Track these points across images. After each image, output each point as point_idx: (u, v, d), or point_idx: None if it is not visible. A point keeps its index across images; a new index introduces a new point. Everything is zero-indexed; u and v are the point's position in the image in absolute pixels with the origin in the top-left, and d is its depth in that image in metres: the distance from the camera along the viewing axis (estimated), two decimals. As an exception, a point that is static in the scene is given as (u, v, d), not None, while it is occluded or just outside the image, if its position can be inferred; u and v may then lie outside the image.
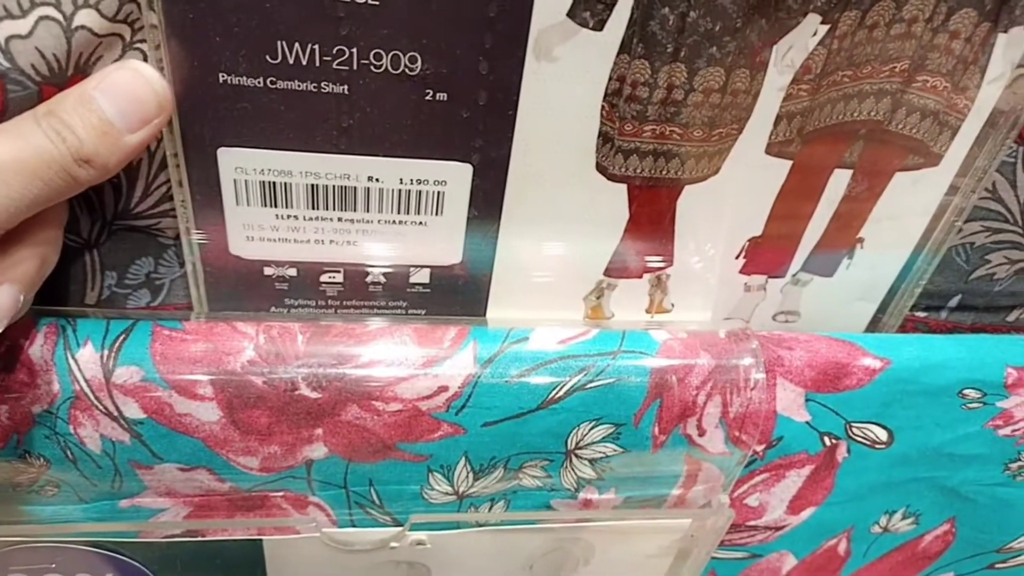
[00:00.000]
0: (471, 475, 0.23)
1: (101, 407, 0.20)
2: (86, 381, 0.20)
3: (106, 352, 0.20)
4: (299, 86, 0.19)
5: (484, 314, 0.23)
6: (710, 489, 0.25)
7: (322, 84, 0.19)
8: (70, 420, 0.20)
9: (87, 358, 0.20)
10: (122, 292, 0.22)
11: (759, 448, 0.24)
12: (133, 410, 0.20)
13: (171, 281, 0.23)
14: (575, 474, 0.24)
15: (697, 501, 0.25)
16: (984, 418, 0.25)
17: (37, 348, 0.20)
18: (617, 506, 0.25)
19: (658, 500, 0.25)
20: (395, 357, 0.21)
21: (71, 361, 0.20)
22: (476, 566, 0.25)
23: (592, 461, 0.24)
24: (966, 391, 0.24)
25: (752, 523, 0.27)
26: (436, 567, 0.25)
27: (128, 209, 0.21)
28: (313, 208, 0.21)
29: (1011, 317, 0.27)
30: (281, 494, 0.23)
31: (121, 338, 0.20)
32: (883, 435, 0.25)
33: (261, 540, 0.23)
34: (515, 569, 0.26)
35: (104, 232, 0.21)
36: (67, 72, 0.18)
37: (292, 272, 0.22)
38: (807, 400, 0.24)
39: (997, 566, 0.30)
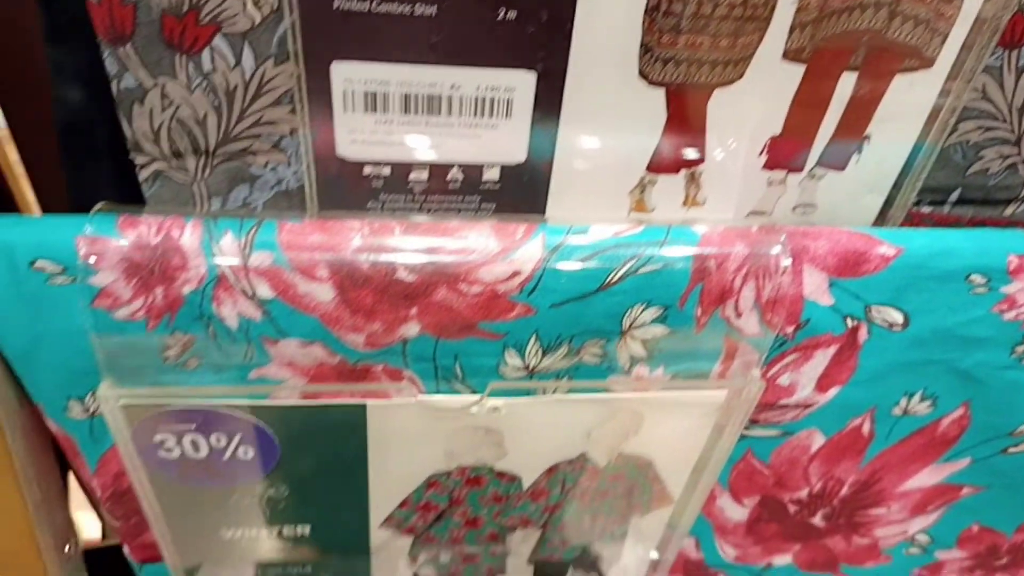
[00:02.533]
0: (540, 351, 0.28)
1: (239, 287, 0.25)
2: (228, 265, 0.25)
3: (243, 240, 0.25)
4: (397, 9, 0.23)
5: (544, 207, 0.28)
6: (746, 366, 0.29)
7: (415, 7, 0.23)
8: (214, 299, 0.25)
9: (228, 245, 0.25)
10: (227, 215, 0.27)
11: (789, 329, 0.29)
12: (264, 290, 0.25)
13: (263, 204, 0.28)
14: (628, 352, 0.28)
15: (735, 377, 0.29)
16: (990, 303, 0.29)
17: (188, 237, 0.25)
18: (665, 382, 0.29)
19: (701, 376, 0.29)
20: (477, 246, 0.26)
21: (215, 247, 0.25)
22: (541, 433, 0.30)
23: (643, 340, 0.28)
24: (972, 276, 0.28)
25: (784, 401, 0.31)
26: (508, 433, 0.30)
27: (227, 136, 0.26)
28: (405, 113, 0.25)
29: (1008, 211, 0.31)
30: (381, 367, 0.28)
31: (254, 229, 0.25)
32: (899, 318, 0.29)
33: (365, 405, 0.28)
34: (575, 436, 0.30)
35: (207, 166, 0.27)
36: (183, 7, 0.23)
37: (386, 171, 0.27)
38: (830, 285, 0.28)
39: (1010, 450, 0.34)
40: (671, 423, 0.30)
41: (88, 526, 0.45)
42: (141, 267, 0.25)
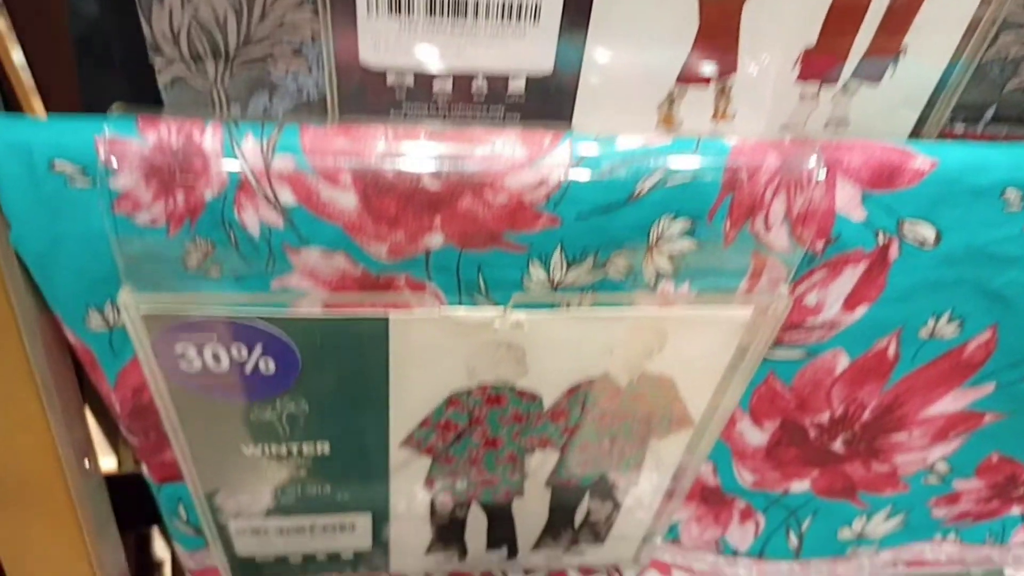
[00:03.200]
0: (565, 264, 0.28)
1: (261, 192, 0.25)
2: (250, 168, 0.24)
3: (265, 143, 0.24)
4: (425, -99, 0.23)
5: (571, 120, 0.28)
6: (773, 283, 0.29)
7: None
8: (235, 205, 0.25)
9: (250, 148, 0.24)
10: (253, 116, 0.27)
11: (818, 244, 0.28)
12: (287, 196, 0.25)
13: (282, 112, 0.27)
14: (654, 267, 0.28)
15: (762, 294, 0.29)
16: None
17: (208, 140, 0.24)
18: (690, 298, 0.29)
19: (727, 293, 0.29)
20: (503, 153, 0.26)
21: (237, 150, 0.24)
22: (564, 350, 0.30)
23: (670, 255, 0.28)
24: (1007, 192, 0.28)
25: (810, 321, 0.31)
26: (530, 349, 0.30)
27: (247, 39, 0.25)
28: (430, 15, 0.25)
29: (1048, 126, 0.30)
30: (403, 278, 0.28)
31: (275, 132, 0.25)
32: (931, 234, 0.29)
33: (387, 318, 0.28)
34: (597, 354, 0.30)
35: (227, 70, 0.26)
36: None
37: (410, 80, 0.26)
38: (863, 198, 0.28)
39: (1035, 376, 0.34)
40: (695, 341, 0.30)
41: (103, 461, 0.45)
42: (162, 170, 0.24)
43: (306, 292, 0.28)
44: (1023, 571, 0.44)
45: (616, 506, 0.40)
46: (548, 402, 0.32)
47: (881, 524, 0.42)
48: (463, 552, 0.41)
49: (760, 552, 0.44)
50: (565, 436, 0.35)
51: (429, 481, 0.36)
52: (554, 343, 0.30)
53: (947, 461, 0.39)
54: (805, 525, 0.42)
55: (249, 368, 0.29)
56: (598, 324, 0.29)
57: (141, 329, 0.27)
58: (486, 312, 0.28)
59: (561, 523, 0.40)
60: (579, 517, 0.40)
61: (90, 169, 0.24)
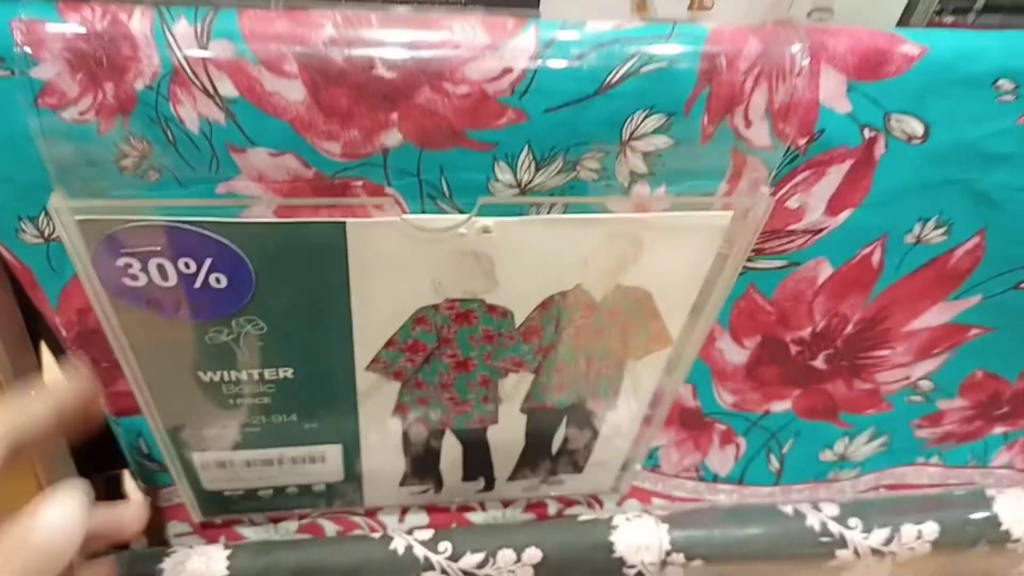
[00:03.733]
0: (533, 165, 0.26)
1: (198, 83, 0.23)
2: (183, 55, 0.22)
3: (199, 25, 0.22)
4: None
5: (537, 7, 0.26)
6: (754, 184, 0.27)
7: None
8: (170, 97, 0.23)
9: (183, 31, 0.22)
10: None
11: (801, 141, 0.27)
12: (227, 87, 0.23)
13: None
14: (628, 167, 0.27)
15: (742, 197, 0.28)
16: (1017, 112, 0.27)
17: (136, 23, 0.22)
18: (667, 202, 0.28)
19: (706, 196, 0.28)
20: (463, 39, 0.24)
21: (168, 34, 0.22)
22: (534, 259, 0.28)
23: (645, 154, 0.27)
24: (1000, 82, 0.26)
25: (792, 227, 0.30)
26: (498, 258, 0.28)
27: None
28: None
29: (1044, 11, 0.29)
30: (360, 183, 0.26)
31: (210, 16, 0.23)
32: (919, 128, 0.27)
33: (345, 224, 0.26)
34: (570, 264, 0.29)
35: None
36: None
37: (361, -39, 0.24)
38: (849, 89, 0.26)
39: (1022, 286, 0.33)
40: (672, 250, 0.29)
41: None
42: (87, 57, 0.22)
43: (255, 198, 0.26)
44: (1004, 492, 0.44)
45: (594, 433, 0.39)
46: (520, 318, 0.31)
47: (863, 446, 0.42)
48: (439, 484, 0.40)
49: (740, 477, 0.43)
50: (539, 357, 0.33)
51: (400, 408, 0.35)
52: (524, 252, 0.28)
53: (931, 379, 0.38)
54: (786, 448, 0.41)
55: (199, 283, 0.27)
56: (570, 231, 0.28)
57: (77, 239, 0.25)
58: (451, 218, 0.27)
59: (538, 451, 0.39)
60: (556, 445, 0.39)
61: (8, 59, 0.22)
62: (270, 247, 0.26)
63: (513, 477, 0.41)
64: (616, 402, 0.37)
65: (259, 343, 0.30)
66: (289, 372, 0.32)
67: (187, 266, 0.26)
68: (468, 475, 0.41)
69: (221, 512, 0.39)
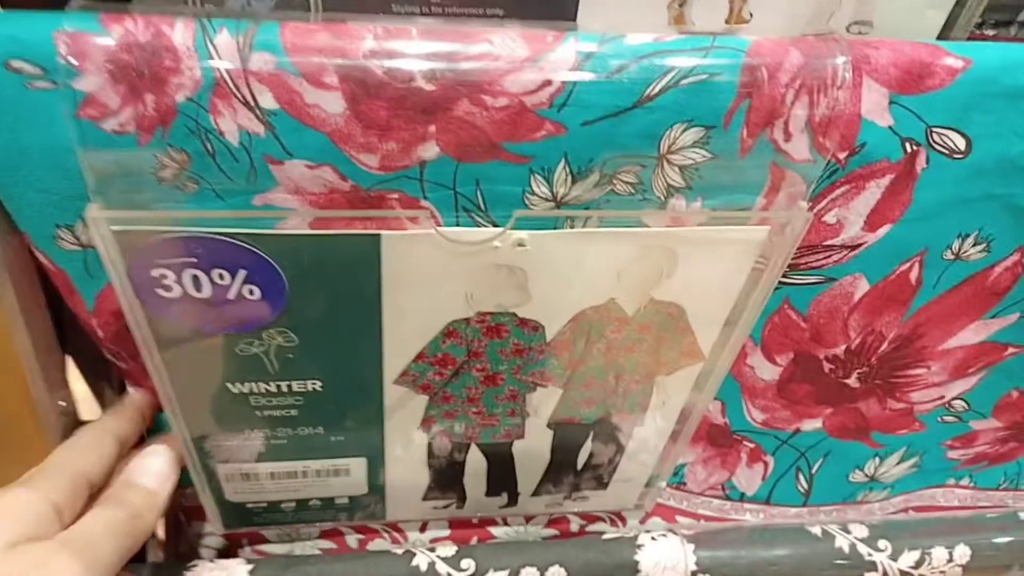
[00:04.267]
0: (570, 178, 0.26)
1: (239, 95, 0.23)
2: (225, 68, 0.23)
3: (241, 39, 0.22)
4: None
5: (574, 20, 0.26)
6: (792, 199, 0.27)
7: None
8: (210, 109, 0.23)
9: (225, 43, 0.22)
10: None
11: (841, 155, 0.27)
12: (267, 99, 0.23)
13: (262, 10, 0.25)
14: (665, 180, 0.27)
15: (780, 211, 0.27)
16: (1061, 127, 0.27)
17: (179, 35, 0.22)
18: (703, 218, 0.27)
19: (743, 209, 0.27)
20: (503, 51, 0.24)
21: (211, 46, 0.22)
22: (568, 273, 0.28)
23: (682, 168, 0.26)
24: (1045, 96, 0.26)
25: (829, 242, 0.29)
26: (532, 271, 0.28)
27: None
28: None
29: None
30: (396, 196, 0.26)
31: (253, 28, 0.23)
32: (961, 143, 0.27)
33: (379, 235, 0.26)
34: (603, 278, 0.29)
35: None
36: None
37: (401, -27, 0.24)
38: (891, 103, 0.26)
39: (1062, 304, 0.33)
40: (707, 264, 0.29)
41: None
42: (130, 69, 0.22)
43: (291, 210, 0.26)
44: (1039, 513, 0.43)
45: (620, 448, 0.38)
46: (551, 332, 0.31)
47: (894, 467, 0.41)
48: (462, 498, 0.40)
49: (768, 497, 0.43)
50: (568, 371, 0.33)
51: (426, 422, 0.35)
52: (558, 266, 0.28)
53: (965, 399, 0.38)
54: (815, 468, 0.41)
55: (232, 294, 0.27)
56: (605, 245, 0.28)
57: (113, 249, 0.25)
58: (486, 232, 0.27)
59: (563, 467, 0.39)
60: (581, 460, 0.38)
61: (51, 70, 0.22)
62: (304, 259, 0.26)
63: (537, 492, 0.41)
64: (644, 418, 0.36)
65: (289, 355, 0.30)
66: (318, 384, 0.31)
67: (221, 277, 0.26)
68: (492, 490, 0.40)
69: (243, 524, 0.39)
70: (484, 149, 0.25)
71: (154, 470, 0.31)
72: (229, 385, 0.31)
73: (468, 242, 0.27)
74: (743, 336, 0.32)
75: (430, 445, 0.36)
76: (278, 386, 0.31)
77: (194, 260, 0.26)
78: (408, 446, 0.36)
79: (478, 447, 0.37)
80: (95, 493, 0.29)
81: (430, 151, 0.25)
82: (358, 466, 0.36)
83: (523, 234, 0.27)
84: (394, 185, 0.26)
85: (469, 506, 0.41)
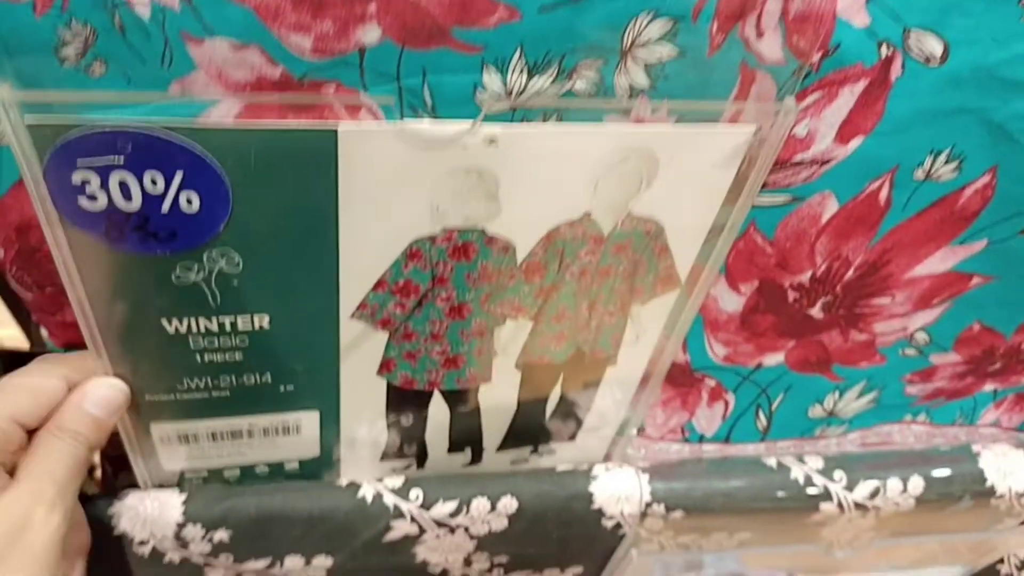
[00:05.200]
0: (525, 71, 0.24)
1: (148, -43, 0.20)
2: (132, -77, 0.20)
3: None
4: None
5: None
6: (762, 103, 0.26)
7: None
8: (117, -26, 0.21)
9: None
10: None
11: (815, 57, 0.25)
12: (181, -37, 0.21)
13: None
14: (628, 79, 0.25)
15: (749, 119, 0.26)
16: (1043, 35, 0.26)
17: None
18: (668, 120, 0.26)
19: (712, 114, 0.26)
20: (450, -80, 0.21)
21: (114, -103, 0.20)
22: (542, 179, 0.26)
23: (647, 65, 0.25)
24: (1029, -1, 0.25)
25: (799, 157, 0.28)
26: (504, 176, 0.26)
27: None
28: None
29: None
30: (333, 87, 0.24)
31: None
32: (938, 48, 0.25)
33: (335, 130, 0.23)
34: (579, 187, 0.27)
35: None
36: None
37: None
38: (868, 0, 0.24)
39: (1029, 230, 0.32)
40: (689, 169, 0.27)
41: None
42: (17, -81, 0.20)
43: (216, 99, 0.23)
44: (990, 447, 0.44)
45: (590, 395, 0.37)
46: (522, 252, 0.29)
47: (853, 401, 0.41)
48: (422, 456, 0.38)
49: (727, 436, 0.42)
50: (540, 300, 0.31)
51: (385, 364, 0.32)
52: (531, 170, 0.26)
53: (927, 331, 0.37)
54: (776, 404, 0.40)
55: (167, 205, 0.24)
56: (582, 143, 0.25)
57: (27, 144, 0.22)
58: (454, 126, 0.24)
59: (531, 416, 0.37)
60: (550, 408, 0.37)
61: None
62: (251, 158, 0.23)
63: (502, 447, 0.39)
64: (616, 356, 0.35)
65: (233, 282, 0.27)
66: (265, 320, 0.29)
67: (154, 183, 0.23)
68: (455, 445, 0.38)
69: None
70: (431, 34, 0.23)
71: (104, 399, 0.29)
72: (164, 322, 0.28)
73: (435, 138, 0.24)
74: (720, 257, 0.30)
75: (389, 393, 0.34)
76: (220, 323, 0.28)
77: (121, 160, 0.23)
78: (366, 395, 0.33)
79: (441, 395, 0.35)
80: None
81: (371, 34, 0.23)
82: (310, 421, 0.34)
83: (495, 128, 0.24)
84: (331, 73, 0.23)
85: (430, 465, 0.39)
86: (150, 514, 0.33)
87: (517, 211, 0.27)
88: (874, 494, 0.41)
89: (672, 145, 0.26)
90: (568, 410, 0.38)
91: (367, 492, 0.35)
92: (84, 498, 0.33)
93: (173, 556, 0.33)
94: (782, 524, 0.43)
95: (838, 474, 0.41)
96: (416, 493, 0.36)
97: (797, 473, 0.41)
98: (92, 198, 0.23)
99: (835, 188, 0.29)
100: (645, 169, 0.26)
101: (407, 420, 0.36)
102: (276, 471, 0.36)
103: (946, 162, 0.29)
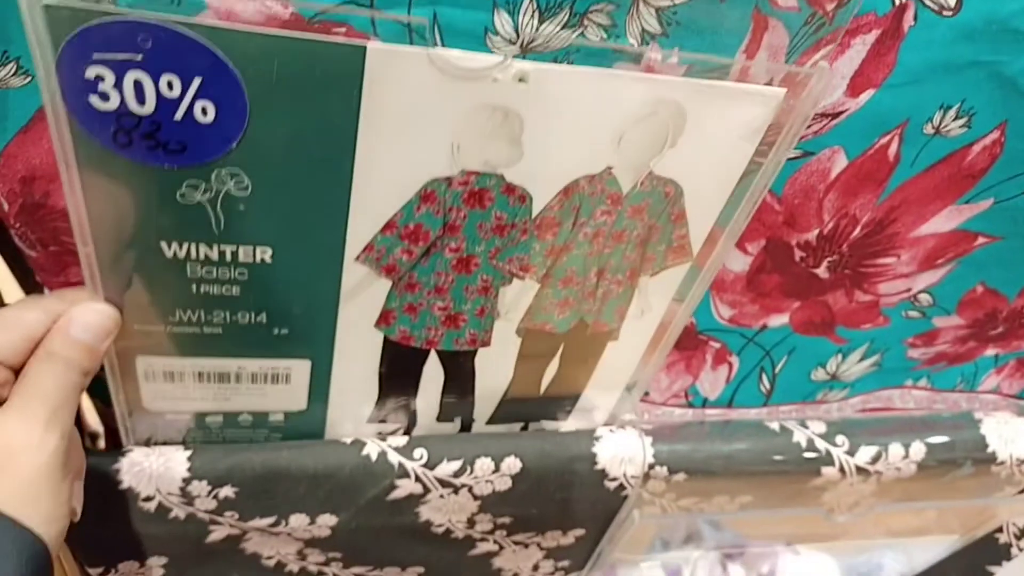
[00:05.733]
0: (537, 14, 0.24)
1: None
2: None
3: None
4: None
5: None
6: (773, 53, 0.26)
7: None
8: (125, -95, 0.20)
9: None
10: None
11: (829, 6, 0.25)
12: None
13: None
14: (640, 25, 0.25)
15: (759, 73, 0.26)
16: (1057, -14, 0.26)
17: None
18: (680, 71, 0.26)
19: (721, 67, 0.26)
20: None
21: None
22: (568, 125, 0.26)
23: (658, 10, 0.24)
24: (1045, -52, 0.25)
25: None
26: (529, 118, 0.25)
27: None
28: None
29: None
30: (343, 30, 0.23)
31: None
32: (953, -1, 0.26)
33: (365, 48, 0.22)
34: (605, 137, 0.26)
35: None
36: None
37: None
38: (883, -55, 0.24)
39: (1036, 190, 0.32)
40: (716, 128, 0.26)
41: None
42: None
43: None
44: (992, 415, 0.44)
45: (587, 371, 0.36)
46: (538, 205, 0.28)
47: (855, 364, 0.41)
48: (411, 422, 0.37)
49: (730, 400, 0.42)
50: (550, 260, 0.31)
51: (385, 316, 0.32)
52: (558, 113, 0.25)
53: (931, 292, 0.37)
54: (779, 366, 0.40)
55: (181, 112, 0.23)
56: (613, 88, 0.25)
57: (42, 29, 0.20)
58: (486, 58, 0.23)
59: (525, 387, 0.37)
60: (545, 382, 0.36)
61: None
62: (274, 69, 0.22)
63: (492, 420, 0.38)
64: (619, 331, 0.34)
65: (240, 207, 0.26)
66: (268, 254, 0.28)
67: (170, 87, 0.22)
68: (445, 413, 0.38)
69: (155, 441, 0.35)
70: (441, -26, 0.23)
71: (92, 324, 0.27)
72: (164, 245, 0.27)
73: (466, 67, 0.23)
74: (737, 231, 0.30)
75: (385, 349, 0.33)
76: (221, 252, 0.27)
77: (139, 57, 0.21)
78: (361, 348, 0.33)
79: (438, 355, 0.34)
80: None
81: (381, -27, 0.22)
82: (301, 371, 0.33)
83: (527, 65, 0.24)
84: (340, 16, 0.23)
85: (417, 432, 0.38)
86: (155, 470, 0.33)
87: (538, 159, 0.27)
88: (876, 459, 0.41)
89: (703, 102, 0.26)
90: (563, 387, 0.37)
91: (372, 450, 0.35)
92: (87, 453, 0.33)
93: (179, 512, 0.34)
94: (784, 488, 0.43)
95: (840, 438, 0.41)
96: (420, 452, 0.36)
97: (799, 437, 0.41)
98: (104, 97, 0.22)
99: (844, 143, 0.29)
100: (672, 125, 0.26)
101: (400, 381, 0.35)
102: (260, 421, 0.35)
103: (956, 117, 0.29)
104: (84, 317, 0.27)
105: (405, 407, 0.37)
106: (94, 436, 0.39)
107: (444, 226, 0.28)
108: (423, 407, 0.37)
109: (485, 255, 0.30)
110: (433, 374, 0.35)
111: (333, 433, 0.36)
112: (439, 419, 0.38)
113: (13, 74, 0.24)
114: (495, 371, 0.36)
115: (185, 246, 0.27)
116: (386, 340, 0.33)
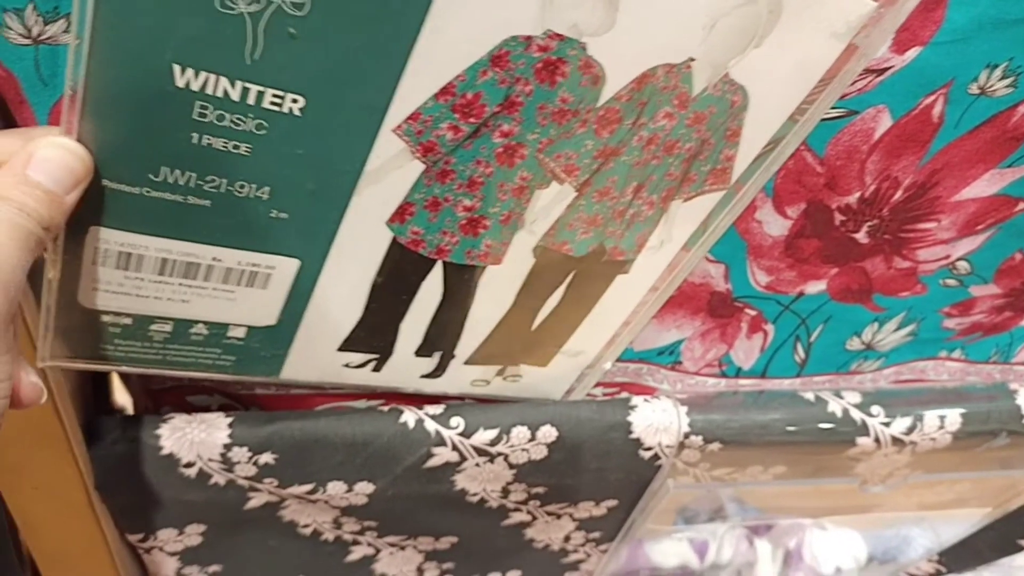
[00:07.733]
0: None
1: None
2: None
3: None
4: None
5: None
6: None
7: None
8: None
9: None
10: None
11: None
12: None
13: None
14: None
15: None
16: (1110, -61, 0.26)
17: None
18: None
19: None
20: None
21: None
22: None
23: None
24: (1099, -100, 0.25)
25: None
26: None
27: None
28: None
29: None
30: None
31: None
32: (1005, -50, 0.26)
33: None
34: (697, 23, 0.25)
35: None
36: None
37: None
38: None
39: (1080, 151, 0.33)
40: (800, 37, 0.25)
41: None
42: None
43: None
44: (1026, 386, 0.45)
45: (586, 309, 0.35)
46: (609, 91, 0.26)
47: (891, 333, 0.41)
48: (387, 352, 0.35)
49: (764, 370, 0.43)
50: (596, 164, 0.29)
51: (402, 210, 0.28)
52: None
53: (969, 259, 0.38)
54: (815, 335, 0.41)
55: None
56: None
57: None
58: None
59: (518, 322, 0.35)
60: (541, 316, 0.35)
61: None
62: None
63: (472, 360, 0.36)
64: (633, 263, 0.33)
65: (287, 30, 0.21)
66: (299, 105, 0.23)
67: None
68: (426, 345, 0.35)
69: (80, 354, 0.29)
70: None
71: (54, 163, 0.22)
72: (176, 69, 0.22)
73: None
74: (774, 167, 0.29)
75: (389, 253, 0.30)
76: (245, 91, 0.23)
77: None
78: (361, 249, 0.29)
79: (443, 270, 0.31)
80: None
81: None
82: (285, 272, 0.29)
83: None
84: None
85: (389, 368, 0.35)
86: (196, 435, 0.33)
87: (627, 33, 0.25)
88: (911, 429, 0.42)
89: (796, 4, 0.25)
90: (555, 327, 0.36)
91: (409, 418, 0.36)
92: (130, 418, 0.34)
93: (219, 478, 0.35)
94: (818, 459, 0.44)
95: (875, 408, 0.42)
96: (457, 420, 0.36)
97: (835, 407, 0.42)
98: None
99: (889, 102, 0.30)
100: (766, 19, 0.25)
101: (393, 299, 0.32)
102: (215, 337, 0.31)
103: (1002, 77, 0.29)
104: (44, 153, 0.22)
105: (387, 331, 0.34)
106: (122, 412, 0.40)
107: (504, 101, 0.26)
108: (407, 332, 0.34)
109: (535, 146, 0.28)
110: (429, 292, 0.32)
111: (293, 364, 0.33)
112: (418, 352, 0.35)
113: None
114: (495, 298, 0.34)
115: (202, 76, 0.22)
116: (392, 243, 0.30)
